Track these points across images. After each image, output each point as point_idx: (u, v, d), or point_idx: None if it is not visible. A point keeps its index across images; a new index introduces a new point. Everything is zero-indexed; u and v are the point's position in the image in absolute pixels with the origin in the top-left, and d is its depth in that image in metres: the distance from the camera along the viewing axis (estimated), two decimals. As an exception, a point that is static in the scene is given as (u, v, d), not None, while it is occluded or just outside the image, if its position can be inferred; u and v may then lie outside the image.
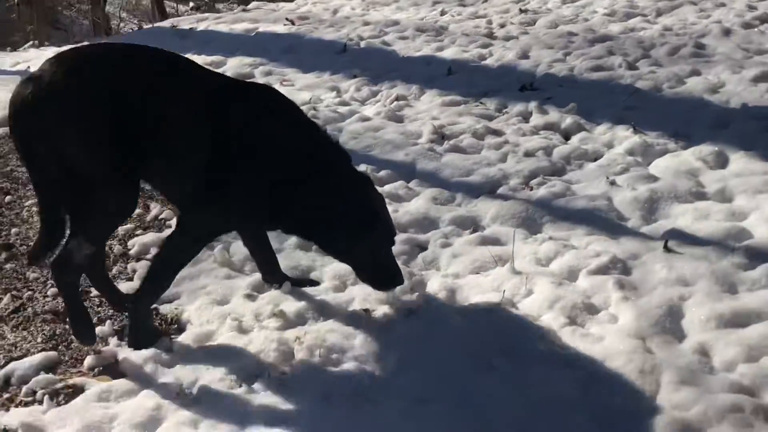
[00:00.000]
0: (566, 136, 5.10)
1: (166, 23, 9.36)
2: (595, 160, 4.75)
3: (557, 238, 3.95)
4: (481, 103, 5.64)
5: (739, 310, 3.19)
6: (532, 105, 5.45)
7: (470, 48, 6.88)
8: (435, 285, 3.64)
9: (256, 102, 3.25)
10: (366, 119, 5.50)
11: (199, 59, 7.07)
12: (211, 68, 3.99)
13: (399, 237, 4.05)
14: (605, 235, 3.90)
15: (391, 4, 9.11)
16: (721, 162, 4.55)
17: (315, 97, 6.00)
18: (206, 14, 9.34)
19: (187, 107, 3.12)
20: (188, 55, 7.17)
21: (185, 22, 9.11)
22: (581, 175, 4.57)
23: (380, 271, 3.29)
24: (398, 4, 9.04)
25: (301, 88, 6.28)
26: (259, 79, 6.59)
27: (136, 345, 3.22)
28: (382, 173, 4.67)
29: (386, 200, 3.57)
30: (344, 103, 5.87)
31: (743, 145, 4.66)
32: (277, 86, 6.36)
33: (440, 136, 5.08)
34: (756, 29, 6.80)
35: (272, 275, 3.64)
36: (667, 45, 6.46)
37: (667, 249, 3.67)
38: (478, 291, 3.55)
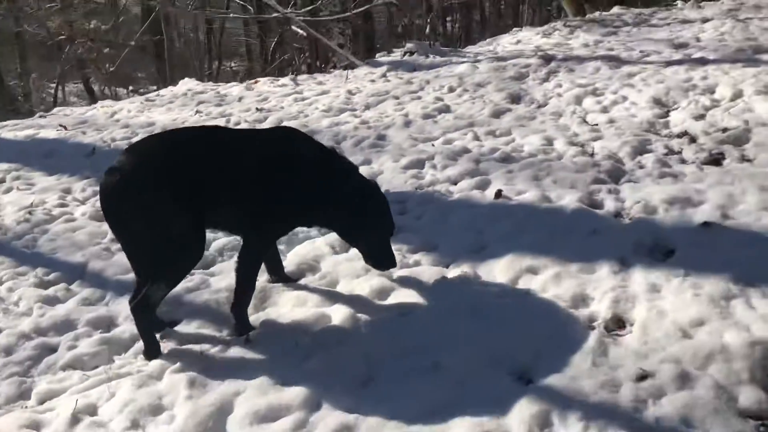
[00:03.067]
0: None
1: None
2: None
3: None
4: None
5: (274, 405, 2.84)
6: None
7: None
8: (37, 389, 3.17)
9: (286, 143, 3.56)
10: (71, 220, 4.97)
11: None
12: None
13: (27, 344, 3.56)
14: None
15: (165, 105, 8.57)
16: (348, 246, 4.25)
17: (39, 199, 5.41)
18: (7, 122, 8.52)
19: (242, 162, 3.36)
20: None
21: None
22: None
23: (383, 253, 3.67)
24: (170, 106, 8.51)
25: (36, 191, 5.67)
26: (8, 184, 5.95)
27: (241, 332, 3.43)
28: (51, 276, 4.19)
29: None
30: (63, 205, 5.31)
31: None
32: (14, 191, 5.77)
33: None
34: (432, 119, 6.64)
35: (278, 275, 3.86)
36: (355, 137, 6.21)
37: (248, 340, 3.30)
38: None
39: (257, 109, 7.58)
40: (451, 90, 7.61)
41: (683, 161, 5.11)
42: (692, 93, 6.56)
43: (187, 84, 9.80)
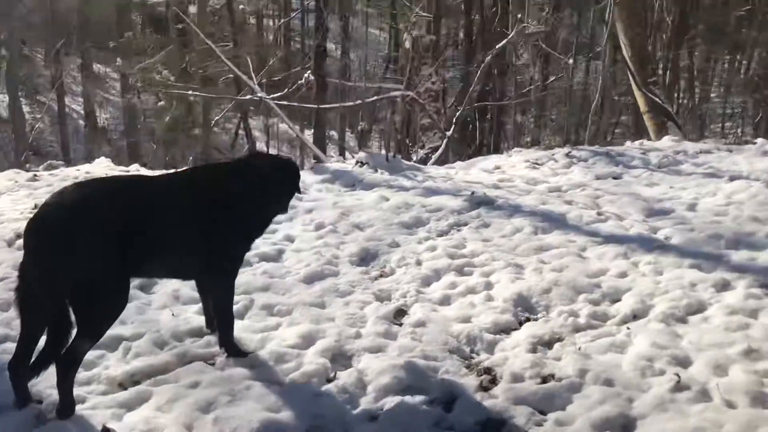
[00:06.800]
0: None
1: None
2: None
3: None
4: None
5: None
6: None
7: None
8: None
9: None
10: None
11: None
12: None
13: None
14: None
15: (42, 188, 7.69)
16: None
17: None
18: None
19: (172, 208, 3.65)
20: None
21: None
22: None
23: None
24: (47, 189, 7.62)
25: None
26: None
27: (236, 354, 3.99)
28: None
29: None
30: None
31: None
32: None
33: None
34: (250, 267, 5.30)
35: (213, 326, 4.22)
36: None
37: None
38: None
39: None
40: (318, 227, 6.25)
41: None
42: (584, 296, 4.86)
43: (100, 164, 8.94)
